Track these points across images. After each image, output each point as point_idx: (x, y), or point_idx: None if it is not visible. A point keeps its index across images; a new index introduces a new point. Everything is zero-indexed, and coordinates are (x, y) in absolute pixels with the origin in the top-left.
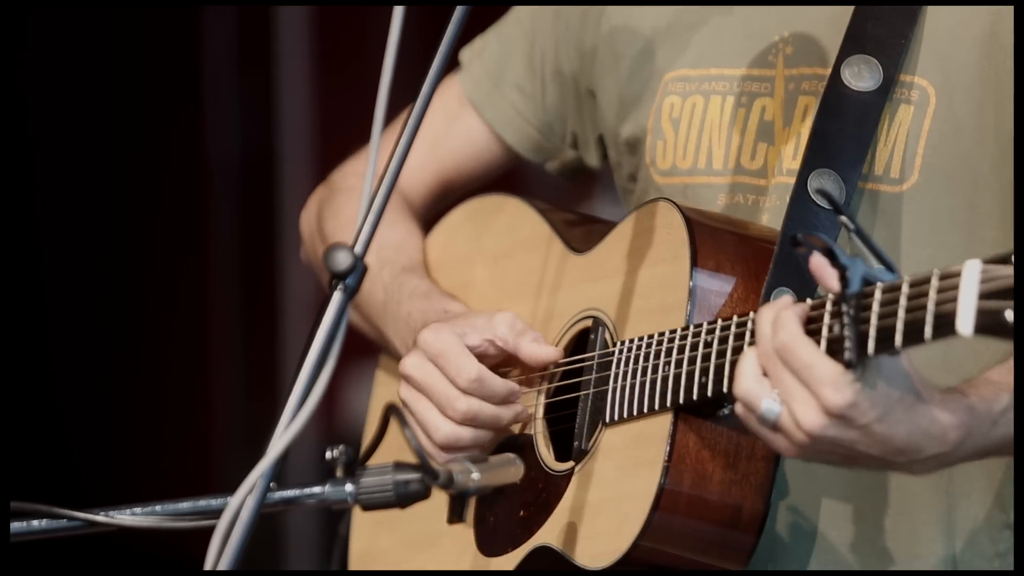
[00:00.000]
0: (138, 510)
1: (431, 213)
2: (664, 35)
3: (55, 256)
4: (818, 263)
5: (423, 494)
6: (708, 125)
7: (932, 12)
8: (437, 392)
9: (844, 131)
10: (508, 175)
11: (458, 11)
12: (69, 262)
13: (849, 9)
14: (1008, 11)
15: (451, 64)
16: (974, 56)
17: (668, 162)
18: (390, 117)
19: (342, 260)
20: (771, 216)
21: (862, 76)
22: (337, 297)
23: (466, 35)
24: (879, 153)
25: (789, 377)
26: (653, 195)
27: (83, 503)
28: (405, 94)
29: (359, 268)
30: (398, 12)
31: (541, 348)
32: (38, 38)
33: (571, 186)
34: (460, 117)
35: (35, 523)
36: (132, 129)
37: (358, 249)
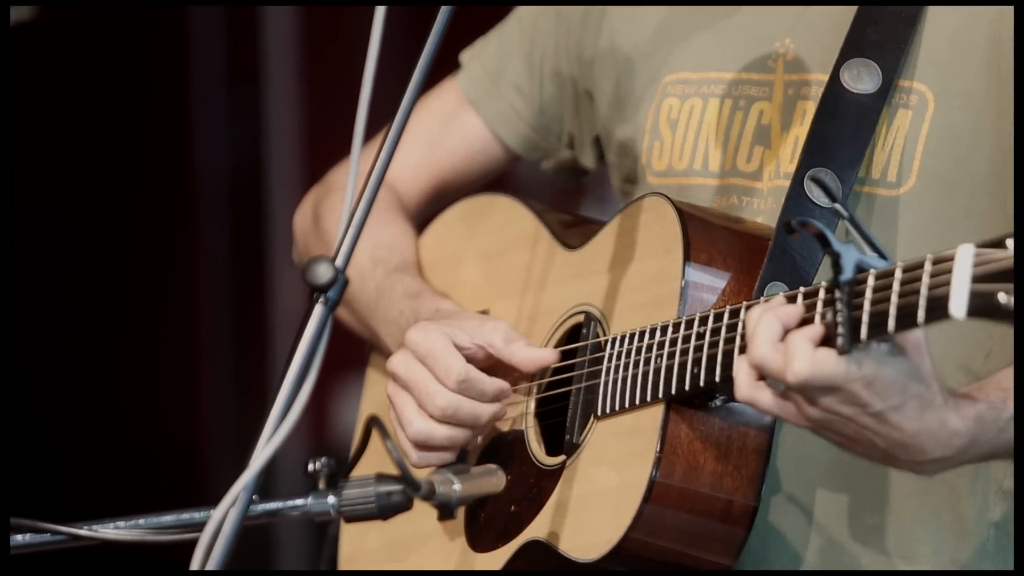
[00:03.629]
0: (122, 524)
1: (427, 214)
2: (664, 38)
3: (42, 267)
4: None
5: (405, 506)
6: (705, 127)
7: (932, 18)
8: (419, 388)
9: (842, 132)
10: (500, 177)
11: (443, 11)
12: (56, 273)
13: (849, 16)
14: (1010, 16)
15: (436, 65)
16: (974, 62)
17: (664, 163)
18: (374, 124)
19: (323, 273)
20: (765, 218)
21: (861, 79)
22: (318, 310)
23: (456, 38)
24: (876, 157)
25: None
26: None
27: (67, 514)
28: (391, 101)
29: (340, 281)
30: (380, 12)
31: (533, 351)
32: (26, 52)
33: (559, 187)
34: (458, 117)
35: (18, 538)
36: (121, 141)
37: (339, 262)
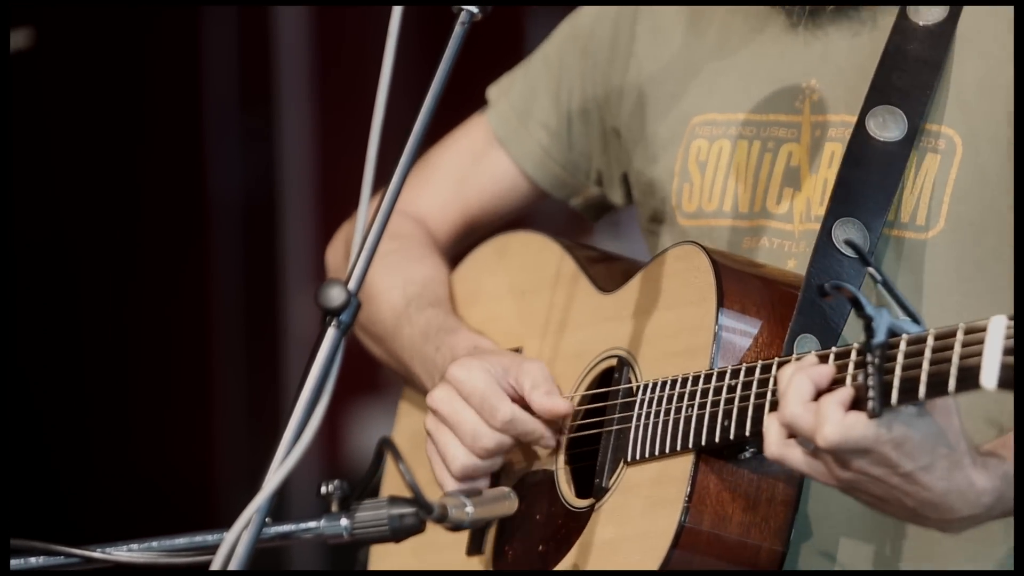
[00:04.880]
0: (135, 546)
1: (457, 249)
2: (691, 77)
3: (53, 292)
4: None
5: (418, 528)
6: (735, 169)
7: (959, 62)
8: (464, 427)
9: (869, 181)
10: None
11: (456, 32)
12: (68, 297)
13: (875, 56)
14: None
15: (454, 90)
16: (1000, 107)
17: (694, 205)
18: (390, 150)
19: (335, 296)
20: (798, 261)
21: (887, 126)
22: (331, 333)
23: (473, 54)
24: (905, 200)
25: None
26: (678, 237)
27: (79, 537)
28: (405, 126)
29: (352, 304)
30: (396, 12)
31: (551, 400)
32: (36, 78)
33: (570, 212)
34: (487, 155)
35: (32, 560)
36: (134, 166)
37: (352, 285)
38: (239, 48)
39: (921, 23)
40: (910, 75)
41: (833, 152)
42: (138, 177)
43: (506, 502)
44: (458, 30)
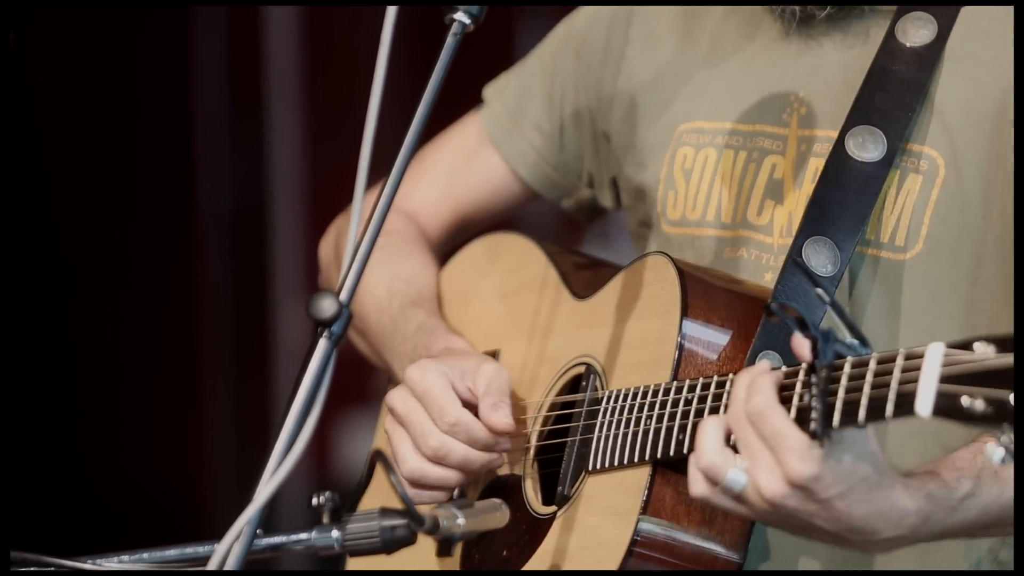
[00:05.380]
0: (126, 557)
1: (448, 247)
2: (680, 84)
3: (42, 301)
4: (798, 341)
5: (409, 540)
6: (719, 178)
7: (944, 85)
8: (414, 426)
9: (844, 200)
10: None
11: (448, 43)
12: (57, 308)
13: (863, 72)
14: (1011, 92)
15: (448, 95)
16: (984, 131)
17: (678, 213)
18: (381, 159)
19: (327, 307)
20: (774, 275)
21: (866, 147)
22: (322, 344)
23: (470, 72)
24: (885, 220)
25: (757, 443)
26: (662, 244)
27: (68, 546)
28: (396, 137)
29: (344, 315)
30: (391, 12)
31: (496, 415)
32: (27, 85)
33: (563, 219)
34: (479, 154)
35: (22, 571)
36: (123, 176)
37: (343, 296)
38: (229, 57)
39: (908, 44)
40: (893, 96)
41: (816, 168)
42: (128, 185)
43: (497, 514)
44: (450, 41)
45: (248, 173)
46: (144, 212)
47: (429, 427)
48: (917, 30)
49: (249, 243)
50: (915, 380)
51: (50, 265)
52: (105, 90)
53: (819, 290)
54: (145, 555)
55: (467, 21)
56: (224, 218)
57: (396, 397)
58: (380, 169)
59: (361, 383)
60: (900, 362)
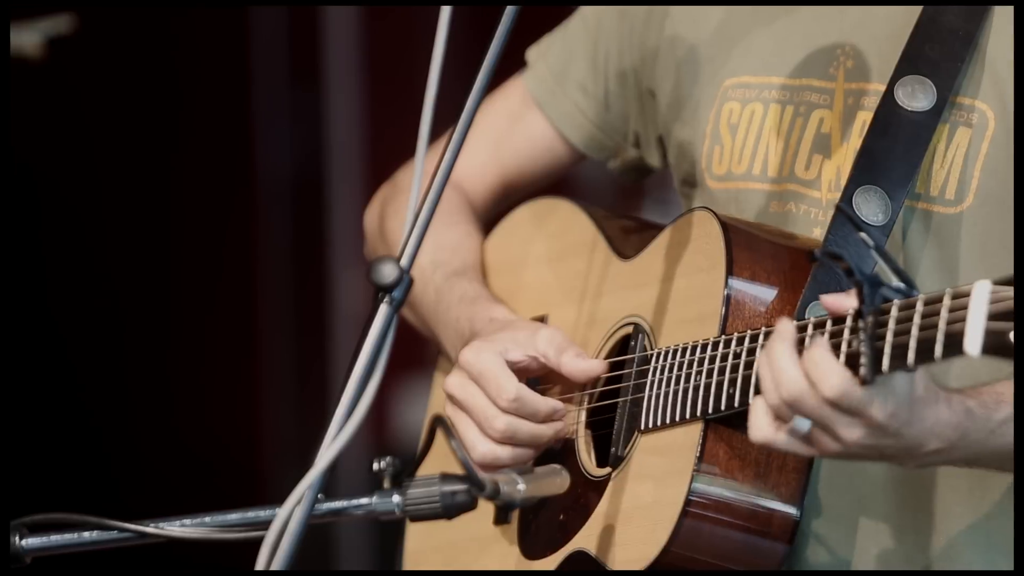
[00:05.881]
0: (187, 521)
1: (494, 213)
2: (725, 40)
3: (103, 269)
4: (833, 301)
5: (470, 505)
6: (766, 132)
7: (994, 37)
8: (477, 411)
9: (894, 150)
10: (566, 175)
11: (508, 12)
12: (120, 275)
13: (908, 25)
14: None
15: (502, 64)
16: None
17: (724, 167)
18: (437, 125)
19: (388, 273)
20: (822, 229)
21: (915, 96)
22: (383, 309)
23: (521, 34)
24: (935, 174)
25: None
26: (707, 200)
27: (127, 514)
28: (454, 101)
29: (405, 281)
30: (445, 12)
31: (584, 362)
32: (84, 57)
33: (620, 187)
34: (523, 117)
35: (86, 535)
36: (183, 144)
37: (404, 261)
38: (288, 24)
39: None
40: (942, 46)
41: (864, 121)
42: (187, 153)
43: (557, 479)
44: (511, 8)
45: (307, 141)
46: (202, 180)
47: (491, 410)
48: None
49: (308, 209)
50: (963, 319)
51: (107, 234)
52: (165, 60)
53: (863, 234)
54: (207, 519)
55: None
56: (284, 184)
57: (453, 383)
58: (435, 135)
59: (419, 349)
60: (947, 302)
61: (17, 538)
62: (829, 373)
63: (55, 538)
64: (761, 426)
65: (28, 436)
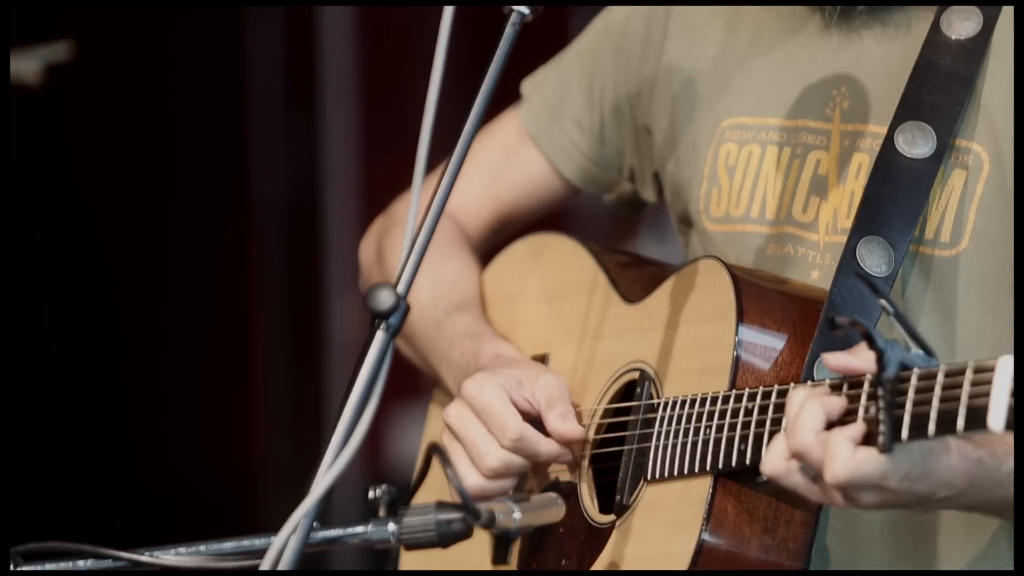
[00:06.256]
0: (182, 550)
1: (490, 246)
2: (722, 77)
3: (96, 293)
4: (840, 363)
5: (465, 534)
6: (763, 175)
7: (990, 78)
8: (472, 445)
9: (895, 198)
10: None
11: (504, 39)
12: (111, 299)
13: (907, 66)
14: None
15: (499, 96)
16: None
17: (722, 210)
18: (434, 153)
19: (384, 299)
20: (822, 274)
21: (915, 143)
22: (380, 336)
23: (520, 57)
24: (931, 217)
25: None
26: (705, 241)
27: (121, 542)
28: (450, 130)
29: (401, 307)
30: (448, 12)
31: (564, 424)
32: (79, 80)
33: (613, 220)
34: (519, 151)
35: (80, 563)
36: (179, 167)
37: (401, 288)
38: (284, 48)
39: (954, 37)
40: (941, 90)
41: (861, 163)
42: (184, 178)
43: (554, 508)
44: (509, 31)
45: (302, 165)
46: (198, 204)
47: (487, 446)
48: (963, 23)
49: (303, 235)
50: (986, 394)
51: (100, 255)
52: (160, 82)
53: (884, 301)
54: (202, 547)
55: (526, 11)
56: (279, 209)
57: (453, 413)
58: (433, 163)
59: (415, 377)
60: (969, 375)
61: (12, 566)
62: (843, 459)
63: (50, 567)
64: (775, 459)
65: (22, 462)
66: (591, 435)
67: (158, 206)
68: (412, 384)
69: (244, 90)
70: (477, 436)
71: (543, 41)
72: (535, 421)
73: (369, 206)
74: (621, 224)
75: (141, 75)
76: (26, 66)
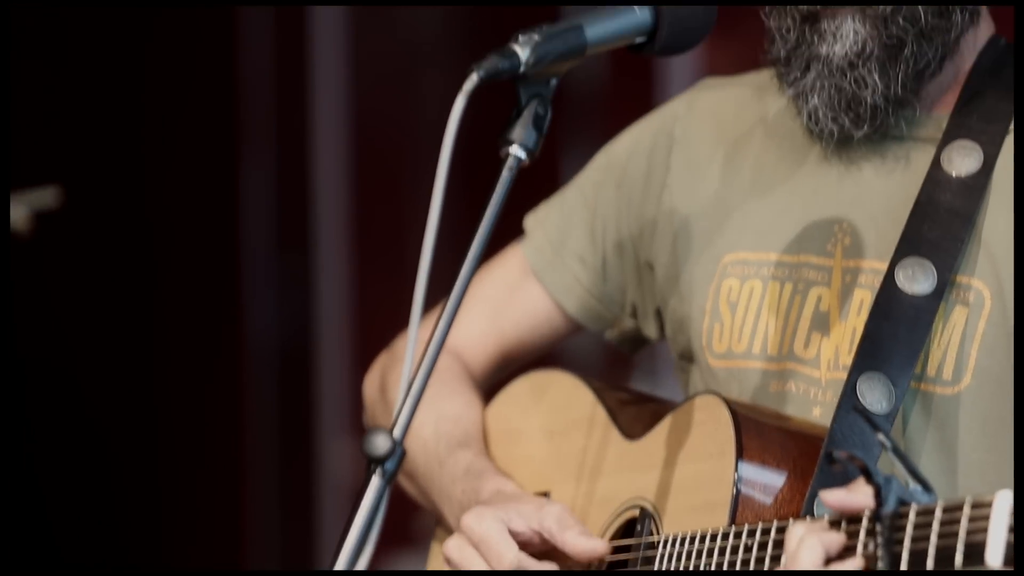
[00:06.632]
0: None
1: (493, 382)
2: (723, 213)
3: (91, 440)
4: (838, 501)
5: None
6: (765, 310)
7: (990, 215)
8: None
9: (896, 334)
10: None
11: (502, 180)
12: (102, 440)
13: (907, 202)
14: None
15: (496, 234)
16: None
17: (724, 345)
18: (432, 291)
19: (380, 444)
20: (823, 410)
21: (916, 279)
22: (375, 482)
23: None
24: (932, 354)
25: None
26: (707, 377)
27: None
28: (447, 270)
29: (397, 452)
30: (459, 103)
31: (587, 541)
32: (73, 231)
33: (607, 361)
34: (522, 287)
35: None
36: (170, 310)
37: (397, 433)
38: (277, 191)
39: (955, 174)
40: (941, 227)
41: (862, 300)
42: (174, 320)
43: None
44: (506, 174)
45: (294, 309)
46: (189, 346)
47: None
48: (963, 159)
49: (295, 378)
50: (984, 530)
51: (96, 403)
52: (152, 227)
53: (881, 436)
54: None
55: (523, 156)
56: (271, 353)
57: (452, 546)
58: (428, 304)
59: (410, 525)
60: (967, 511)
61: None
62: None
63: None
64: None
65: None
66: (590, 569)
67: (147, 350)
68: (407, 533)
69: (236, 231)
70: (475, 567)
71: (537, 178)
72: (537, 553)
73: (362, 350)
74: (615, 366)
75: (129, 218)
76: (14, 212)
